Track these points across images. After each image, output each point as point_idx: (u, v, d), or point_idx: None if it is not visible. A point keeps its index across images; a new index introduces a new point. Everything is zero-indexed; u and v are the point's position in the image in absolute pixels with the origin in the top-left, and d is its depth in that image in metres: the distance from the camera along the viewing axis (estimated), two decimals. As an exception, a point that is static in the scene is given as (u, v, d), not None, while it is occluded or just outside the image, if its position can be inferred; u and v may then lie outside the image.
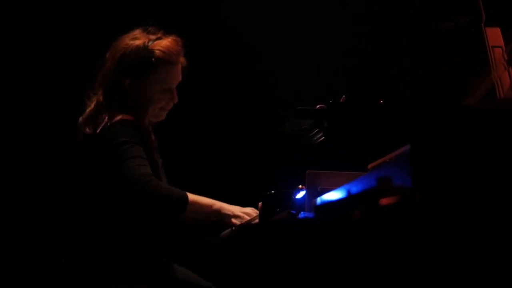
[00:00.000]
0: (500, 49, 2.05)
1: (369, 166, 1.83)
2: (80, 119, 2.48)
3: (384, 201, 1.31)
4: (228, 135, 3.95)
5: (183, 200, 2.30)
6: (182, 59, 2.56)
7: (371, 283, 1.54)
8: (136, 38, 2.50)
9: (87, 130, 2.42)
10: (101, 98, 2.46)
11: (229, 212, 2.44)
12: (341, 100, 1.98)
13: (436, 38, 2.43)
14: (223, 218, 2.46)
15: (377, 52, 3.89)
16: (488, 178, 1.23)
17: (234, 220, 2.53)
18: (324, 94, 2.02)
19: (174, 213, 2.32)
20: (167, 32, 2.55)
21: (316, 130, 1.99)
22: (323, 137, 1.95)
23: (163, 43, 2.50)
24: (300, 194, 2.04)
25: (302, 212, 1.93)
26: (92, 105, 2.47)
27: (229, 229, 2.50)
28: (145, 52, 2.46)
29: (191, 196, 2.34)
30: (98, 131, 2.38)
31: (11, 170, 3.74)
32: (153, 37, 2.51)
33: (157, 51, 2.47)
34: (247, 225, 2.37)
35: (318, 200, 1.82)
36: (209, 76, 3.91)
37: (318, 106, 1.94)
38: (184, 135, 3.79)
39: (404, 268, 1.40)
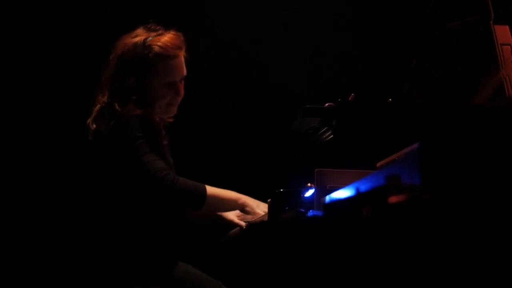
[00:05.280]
0: (509, 46, 2.04)
1: (378, 164, 1.83)
2: (88, 120, 2.50)
3: (393, 199, 1.31)
4: (235, 136, 3.95)
5: (201, 194, 2.32)
6: (182, 52, 2.56)
7: (380, 282, 1.54)
8: (136, 36, 2.52)
9: (94, 126, 2.43)
10: (106, 99, 2.47)
11: (250, 209, 2.46)
12: (349, 99, 1.99)
13: (444, 37, 2.42)
14: (246, 212, 2.50)
15: (384, 52, 3.89)
16: (496, 177, 1.23)
17: (238, 221, 2.54)
18: (331, 93, 2.03)
19: (192, 207, 2.35)
20: (167, 28, 2.56)
21: (325, 129, 2.00)
22: (332, 136, 1.95)
23: (162, 39, 2.51)
24: (309, 193, 2.04)
25: (311, 210, 1.93)
26: (98, 107, 2.48)
27: (238, 228, 2.50)
28: (143, 48, 2.48)
29: (212, 190, 2.36)
30: (108, 127, 2.39)
31: (20, 171, 3.76)
32: (153, 34, 2.52)
33: (154, 46, 2.48)
34: (255, 224, 2.37)
35: (327, 198, 1.82)
36: (215, 76, 3.92)
37: (326, 104, 1.94)
38: (191, 136, 3.79)
39: (414, 267, 1.40)
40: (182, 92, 2.57)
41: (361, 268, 1.60)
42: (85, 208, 2.70)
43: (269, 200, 2.27)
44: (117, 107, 2.41)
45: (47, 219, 3.72)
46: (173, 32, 2.56)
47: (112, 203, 2.44)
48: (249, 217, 2.53)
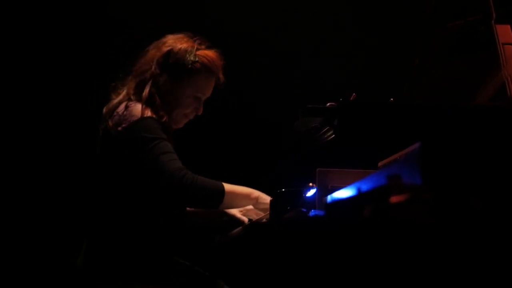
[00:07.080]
0: (511, 46, 2.04)
1: (379, 164, 1.83)
2: (105, 109, 2.50)
3: (394, 199, 1.31)
4: (235, 136, 3.96)
5: (219, 191, 2.36)
6: (220, 75, 2.62)
7: (381, 281, 1.54)
8: (184, 41, 2.56)
9: (110, 123, 2.42)
10: (131, 90, 2.48)
11: (265, 202, 2.47)
12: (351, 98, 1.99)
13: (445, 37, 2.43)
14: (259, 207, 2.51)
15: (386, 51, 3.89)
16: (497, 176, 1.23)
17: (239, 215, 2.54)
18: (333, 93, 2.03)
19: (211, 205, 2.37)
20: (211, 46, 2.62)
21: (326, 128, 2.00)
22: (333, 135, 1.95)
23: (210, 53, 2.58)
24: (311, 192, 2.03)
25: (312, 210, 1.93)
26: (121, 96, 2.49)
27: (240, 228, 2.50)
28: (191, 55, 2.52)
29: (228, 186, 2.39)
30: (122, 127, 2.39)
31: (19, 171, 3.76)
32: (199, 46, 2.57)
33: (203, 58, 2.54)
34: (257, 224, 2.38)
35: (329, 198, 1.82)
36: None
37: (328, 104, 1.94)
38: (190, 136, 3.80)
39: (414, 267, 1.41)
40: (201, 110, 2.60)
41: (363, 268, 1.61)
42: (85, 208, 2.70)
43: (270, 199, 2.27)
44: (137, 104, 2.42)
45: (47, 219, 3.72)
46: (217, 51, 2.61)
47: (113, 203, 2.43)
48: (252, 213, 2.53)
